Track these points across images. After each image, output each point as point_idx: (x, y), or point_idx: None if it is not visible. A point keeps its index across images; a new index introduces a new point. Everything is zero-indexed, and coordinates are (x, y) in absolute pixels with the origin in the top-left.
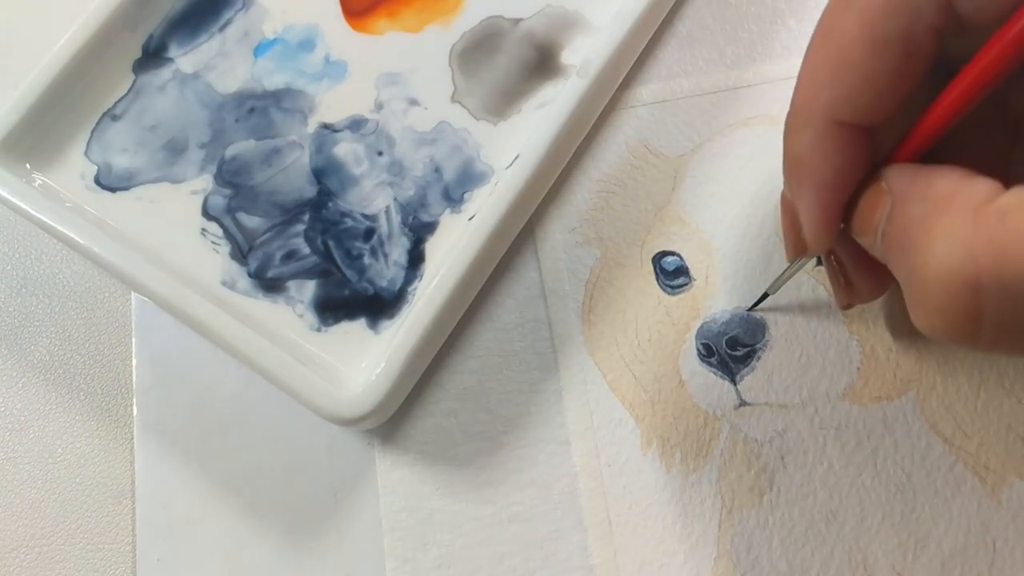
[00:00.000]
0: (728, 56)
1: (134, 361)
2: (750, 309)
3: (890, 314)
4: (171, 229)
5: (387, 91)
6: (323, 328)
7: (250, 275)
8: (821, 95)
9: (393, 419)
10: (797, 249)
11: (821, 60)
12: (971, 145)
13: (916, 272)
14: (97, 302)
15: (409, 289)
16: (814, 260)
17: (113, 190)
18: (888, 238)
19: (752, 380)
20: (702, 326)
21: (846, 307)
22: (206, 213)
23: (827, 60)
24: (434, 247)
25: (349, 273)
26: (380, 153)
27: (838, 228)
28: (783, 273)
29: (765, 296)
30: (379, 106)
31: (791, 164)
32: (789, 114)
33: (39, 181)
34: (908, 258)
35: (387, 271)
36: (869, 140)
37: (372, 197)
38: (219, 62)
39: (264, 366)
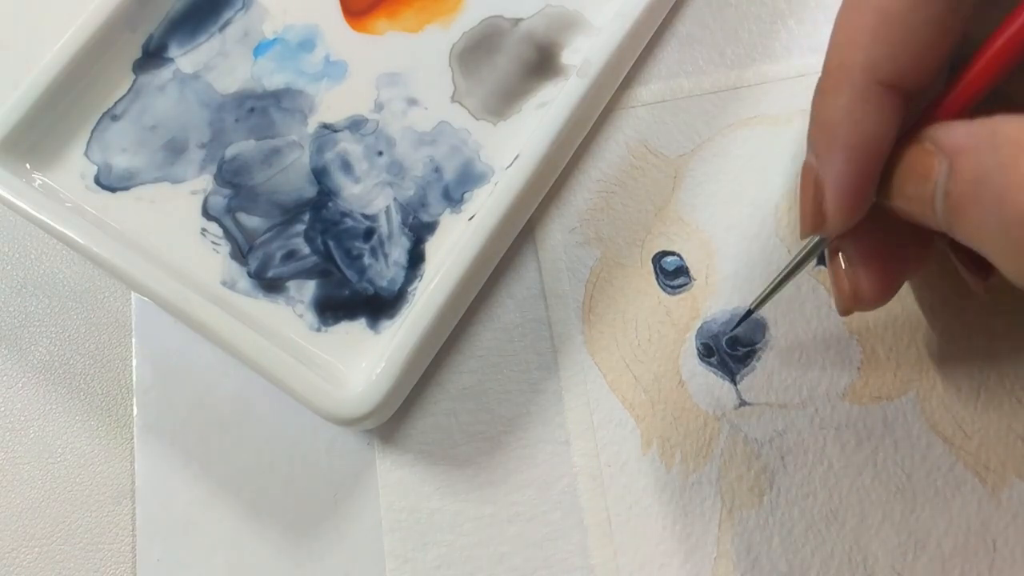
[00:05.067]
0: (728, 56)
1: (134, 361)
2: (734, 329)
3: (890, 314)
4: (171, 229)
5: (387, 91)
6: (323, 328)
7: (250, 275)
8: (860, 53)
9: (393, 419)
10: (815, 223)
11: (859, 16)
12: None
13: (1014, 219)
14: (97, 302)
15: (409, 289)
16: (809, 261)
17: (113, 190)
18: (955, 196)
19: (752, 380)
20: (702, 326)
21: (847, 312)
22: (206, 213)
23: (866, 16)
24: (434, 247)
25: (349, 273)
26: (380, 153)
27: (867, 201)
28: (768, 288)
29: (750, 313)
30: (379, 106)
31: (822, 128)
32: (822, 78)
33: (39, 181)
34: (997, 208)
35: (387, 271)
36: (906, 106)
37: (372, 197)
38: (219, 62)
39: (264, 366)
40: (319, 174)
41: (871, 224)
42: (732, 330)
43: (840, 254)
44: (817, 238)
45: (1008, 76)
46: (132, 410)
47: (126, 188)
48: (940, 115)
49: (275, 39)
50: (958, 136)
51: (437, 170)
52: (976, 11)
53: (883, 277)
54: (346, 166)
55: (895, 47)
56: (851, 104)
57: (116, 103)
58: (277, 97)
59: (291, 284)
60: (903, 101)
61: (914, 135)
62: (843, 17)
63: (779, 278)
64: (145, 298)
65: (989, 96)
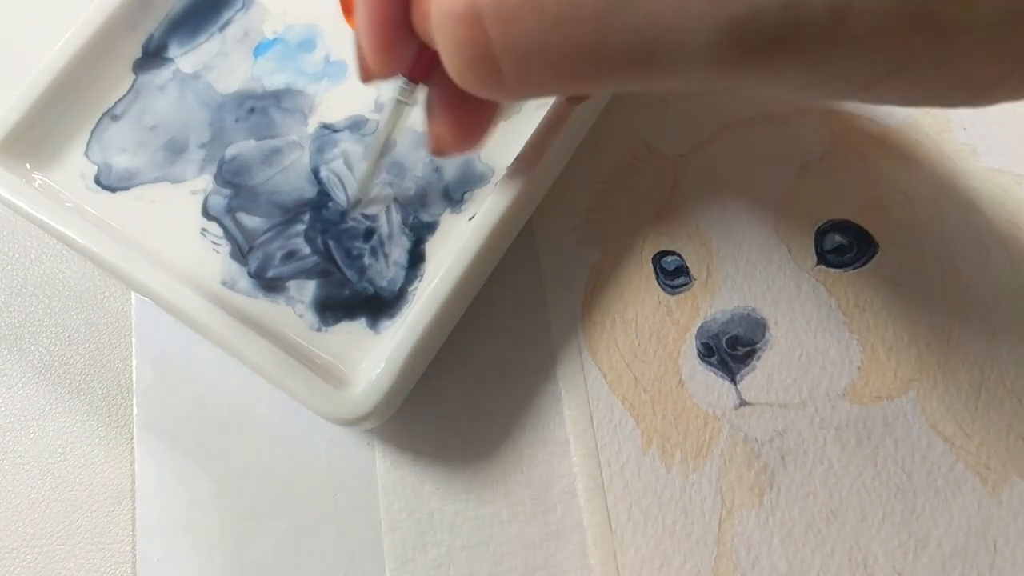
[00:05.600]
0: None
1: (134, 361)
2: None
3: (890, 314)
4: (171, 229)
5: (387, 91)
6: (323, 328)
7: (250, 275)
8: None
9: (393, 419)
10: (364, 71)
11: None
12: None
13: (430, 21)
14: (97, 302)
15: (409, 289)
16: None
17: (113, 190)
18: (415, 13)
19: (752, 380)
20: (702, 326)
21: (436, 153)
22: (206, 213)
23: None
24: (434, 247)
25: (349, 273)
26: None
27: (395, 44)
28: (381, 131)
29: (358, 202)
30: (379, 106)
31: None
32: None
33: (39, 181)
34: (423, 13)
35: (387, 271)
36: None
37: (372, 197)
38: (219, 62)
39: (264, 366)
40: (319, 174)
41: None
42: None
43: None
44: (399, 90)
45: None
46: (132, 410)
47: (126, 188)
48: None
49: (275, 39)
50: None
51: (437, 170)
52: None
53: (458, 123)
54: (346, 166)
55: None
56: None
57: (116, 103)
58: (277, 97)
59: (291, 284)
60: None
61: None
62: None
63: (381, 137)
64: (145, 298)
65: None
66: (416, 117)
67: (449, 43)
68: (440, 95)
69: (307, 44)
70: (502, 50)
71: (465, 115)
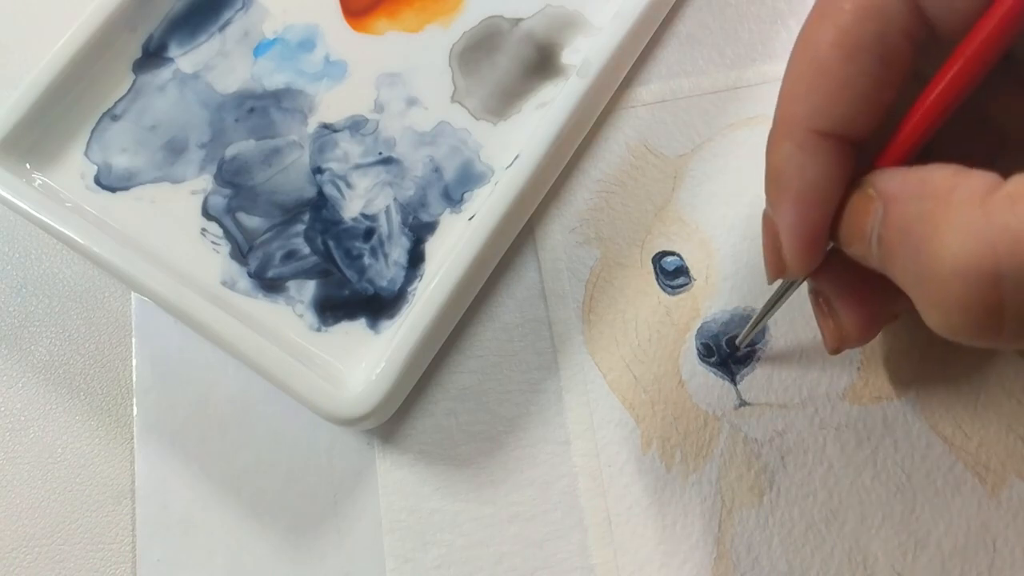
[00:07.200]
0: (728, 56)
1: (134, 361)
2: (736, 350)
3: None
4: (171, 229)
5: (387, 91)
6: (323, 328)
7: (250, 275)
8: (799, 106)
9: (393, 419)
10: (777, 270)
11: (799, 71)
12: (953, 159)
13: (928, 269)
14: (97, 302)
15: (409, 289)
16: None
17: (113, 190)
18: (886, 242)
19: (752, 380)
20: (702, 326)
21: (836, 351)
22: (206, 213)
23: (805, 70)
24: (434, 247)
25: (349, 273)
26: (380, 153)
27: (821, 247)
28: (761, 313)
29: (738, 348)
30: (379, 106)
31: (771, 178)
32: (771, 129)
33: (39, 181)
34: (916, 257)
35: (387, 271)
36: (851, 154)
37: (372, 197)
38: (219, 62)
39: (264, 366)
40: (319, 174)
41: (846, 265)
42: (731, 358)
43: (819, 296)
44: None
45: (948, 119)
46: (132, 410)
47: (126, 188)
48: (886, 160)
49: (275, 39)
50: (893, 183)
51: (437, 170)
52: (925, 51)
53: (864, 311)
54: (346, 166)
55: (830, 98)
56: (793, 154)
57: (116, 103)
58: (277, 97)
59: (291, 284)
60: (846, 149)
61: (860, 180)
62: (787, 71)
63: (759, 317)
64: (145, 298)
65: (970, 115)
66: (416, 118)
67: (953, 299)
68: (841, 291)
69: (307, 44)
70: (1015, 314)
71: (870, 307)
